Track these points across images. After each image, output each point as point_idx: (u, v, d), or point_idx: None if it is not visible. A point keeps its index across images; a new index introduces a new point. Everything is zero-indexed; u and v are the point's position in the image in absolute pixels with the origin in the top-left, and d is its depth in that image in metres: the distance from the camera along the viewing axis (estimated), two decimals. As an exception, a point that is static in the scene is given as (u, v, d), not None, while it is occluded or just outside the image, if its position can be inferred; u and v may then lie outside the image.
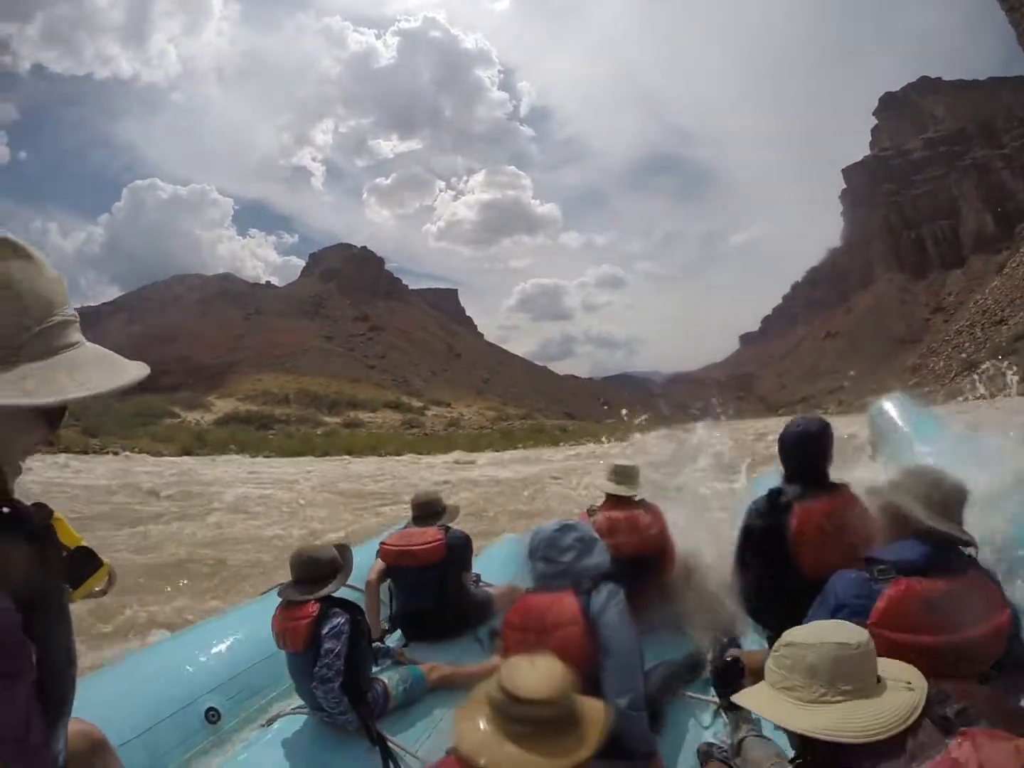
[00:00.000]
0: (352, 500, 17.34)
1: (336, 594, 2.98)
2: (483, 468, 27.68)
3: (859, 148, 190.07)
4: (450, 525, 3.89)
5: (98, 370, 0.91)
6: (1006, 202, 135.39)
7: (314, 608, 2.82)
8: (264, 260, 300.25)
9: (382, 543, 3.89)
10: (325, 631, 2.78)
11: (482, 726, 1.54)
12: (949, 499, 1.92)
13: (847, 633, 1.44)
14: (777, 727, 1.73)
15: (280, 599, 2.98)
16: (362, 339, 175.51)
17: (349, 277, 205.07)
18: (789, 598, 2.17)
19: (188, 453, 44.56)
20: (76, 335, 0.93)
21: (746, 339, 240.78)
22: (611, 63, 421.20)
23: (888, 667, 1.45)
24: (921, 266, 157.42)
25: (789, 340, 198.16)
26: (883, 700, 1.37)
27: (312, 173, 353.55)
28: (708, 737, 2.71)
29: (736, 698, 1.57)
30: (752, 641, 3.08)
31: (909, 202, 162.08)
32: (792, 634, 1.49)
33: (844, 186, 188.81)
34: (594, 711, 1.63)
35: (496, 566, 4.44)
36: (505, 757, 1.48)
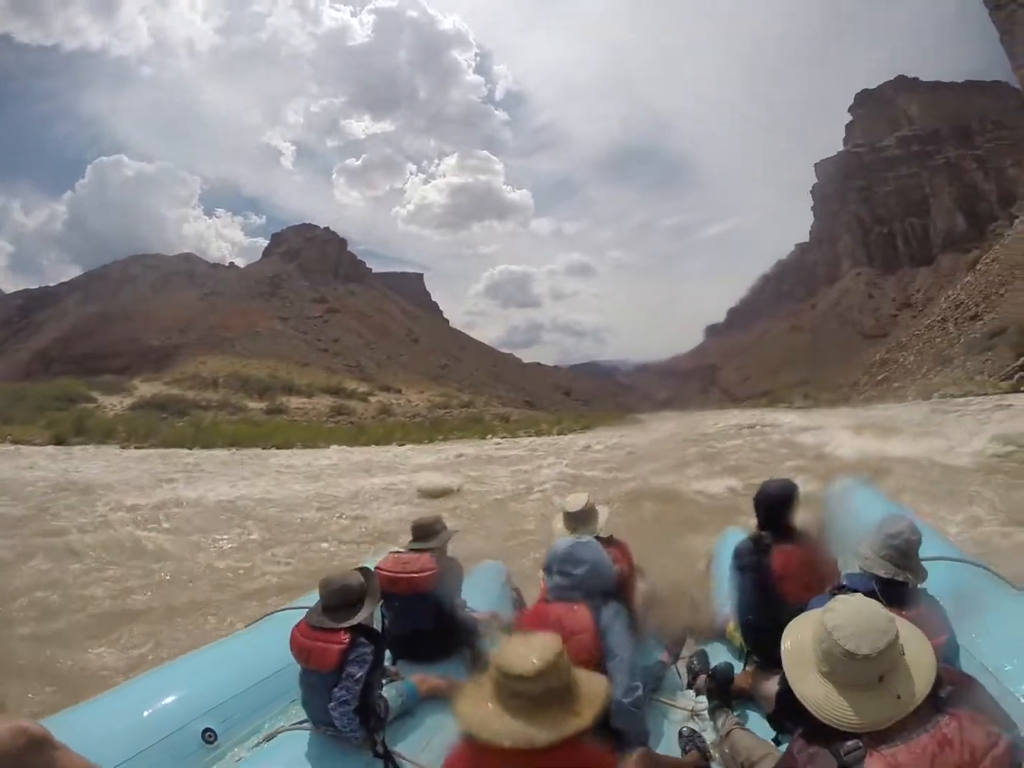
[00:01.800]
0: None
1: None
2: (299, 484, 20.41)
3: (834, 144, 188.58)
4: (442, 551, 4.14)
5: None
6: (978, 203, 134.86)
7: (346, 636, 2.97)
8: (231, 241, 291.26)
9: (377, 567, 3.92)
10: (352, 656, 2.94)
11: (483, 703, 1.70)
12: (894, 546, 2.57)
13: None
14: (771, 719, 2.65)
15: (305, 620, 3.13)
16: (317, 322, 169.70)
17: (310, 258, 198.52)
18: (777, 624, 2.38)
19: (61, 442, 39.72)
20: None
21: (711, 331, 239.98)
22: (590, 51, 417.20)
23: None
24: (890, 262, 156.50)
25: (754, 333, 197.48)
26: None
27: (282, 153, 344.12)
28: (674, 737, 3.10)
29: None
30: (711, 651, 3.80)
31: (880, 198, 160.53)
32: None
33: (816, 181, 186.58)
34: (593, 685, 1.78)
35: (476, 592, 4.54)
36: (504, 729, 1.63)
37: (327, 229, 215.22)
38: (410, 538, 4.21)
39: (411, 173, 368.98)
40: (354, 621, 3.01)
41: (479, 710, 1.70)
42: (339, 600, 3.06)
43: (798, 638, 1.85)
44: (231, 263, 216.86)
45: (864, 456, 16.10)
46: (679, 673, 3.81)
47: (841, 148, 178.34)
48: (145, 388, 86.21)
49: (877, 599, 1.92)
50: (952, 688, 1.66)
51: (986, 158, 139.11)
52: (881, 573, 2.53)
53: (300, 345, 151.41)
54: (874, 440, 19.05)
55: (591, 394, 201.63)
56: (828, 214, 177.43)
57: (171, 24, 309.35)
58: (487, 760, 1.66)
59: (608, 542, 3.66)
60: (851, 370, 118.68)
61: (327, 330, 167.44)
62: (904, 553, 2.56)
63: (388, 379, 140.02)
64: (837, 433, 22.49)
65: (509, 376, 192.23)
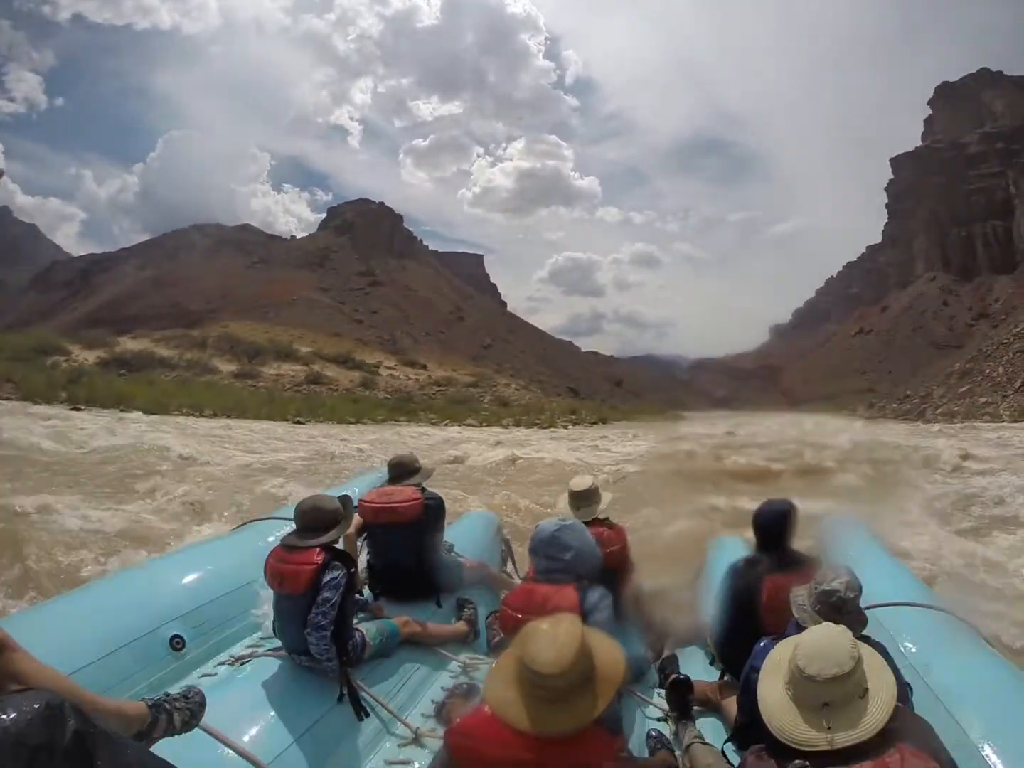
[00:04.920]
0: None
1: None
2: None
3: (911, 140, 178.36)
4: (424, 485, 4.15)
5: None
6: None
7: (318, 556, 2.96)
8: (298, 216, 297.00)
9: (361, 500, 3.98)
10: (325, 580, 2.93)
11: (507, 684, 1.79)
12: (830, 604, 2.46)
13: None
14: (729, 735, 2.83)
15: (279, 541, 3.16)
16: (359, 294, 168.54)
17: (362, 232, 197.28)
18: (750, 649, 2.66)
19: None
20: None
21: (776, 331, 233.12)
22: (662, 39, 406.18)
23: None
24: (967, 268, 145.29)
25: (820, 336, 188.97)
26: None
27: (349, 132, 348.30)
28: (643, 735, 3.05)
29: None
30: (688, 655, 3.86)
31: (960, 198, 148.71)
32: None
33: (891, 177, 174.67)
34: (610, 665, 1.87)
35: (465, 539, 4.67)
36: (526, 716, 1.74)
37: (382, 204, 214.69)
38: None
39: (478, 155, 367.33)
40: (325, 540, 3.01)
41: (502, 690, 1.78)
42: (312, 521, 3.05)
43: (783, 650, 1.95)
44: (292, 236, 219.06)
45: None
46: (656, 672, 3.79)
47: (919, 144, 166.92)
48: (131, 344, 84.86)
49: None
50: (899, 723, 1.74)
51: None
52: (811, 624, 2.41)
53: (335, 315, 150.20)
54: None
55: (645, 387, 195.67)
56: (903, 213, 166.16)
57: (240, 4, 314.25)
58: (504, 732, 1.75)
59: (606, 523, 3.79)
60: (921, 380, 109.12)
61: (367, 302, 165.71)
62: (838, 610, 2.45)
63: (420, 354, 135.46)
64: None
65: (559, 362, 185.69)
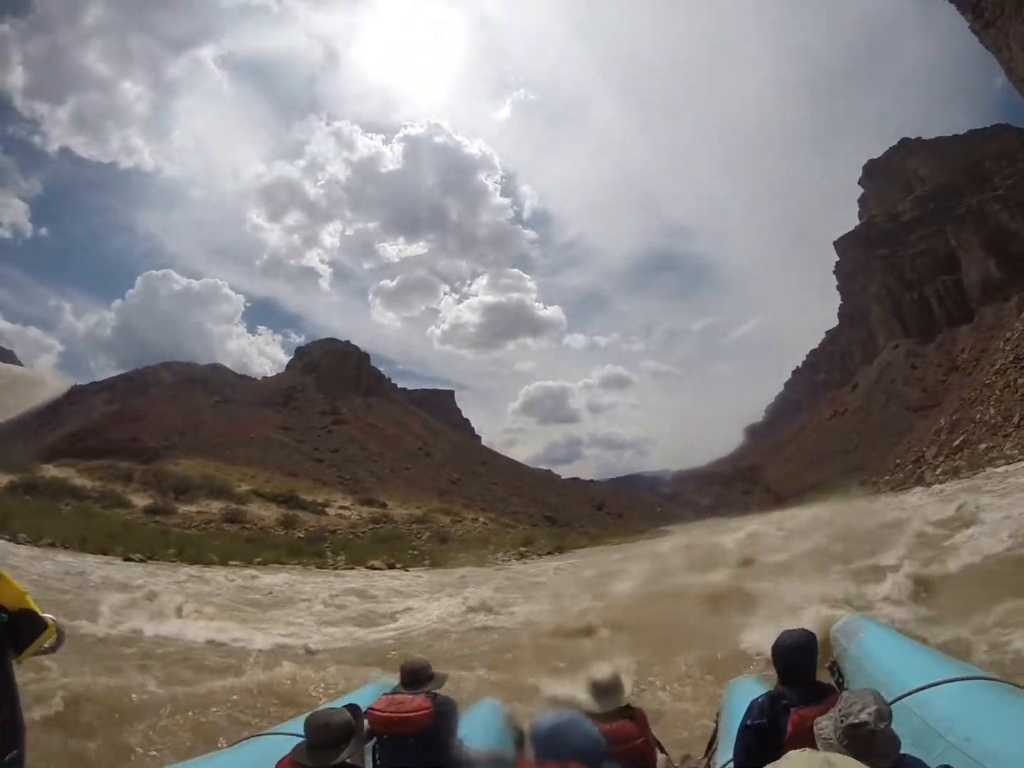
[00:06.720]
0: None
1: None
2: None
3: (849, 221, 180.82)
4: (436, 692, 4.05)
5: (9, 391, 0.79)
6: (1009, 243, 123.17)
7: None
8: (272, 358, 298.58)
9: (370, 708, 3.92)
10: None
11: None
12: (859, 736, 2.26)
13: None
14: None
15: (291, 756, 3.05)
16: (321, 432, 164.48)
17: (329, 370, 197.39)
18: None
19: None
20: None
21: (751, 431, 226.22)
22: (609, 165, 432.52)
23: None
24: (927, 328, 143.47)
25: (794, 427, 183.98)
26: None
27: (320, 274, 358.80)
28: None
29: None
30: None
31: (906, 263, 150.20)
32: None
33: (837, 259, 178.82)
34: None
35: (477, 730, 4.60)
36: None
37: (348, 343, 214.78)
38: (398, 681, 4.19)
39: (445, 293, 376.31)
40: (337, 761, 2.93)
41: None
42: (323, 738, 2.97)
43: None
44: (264, 377, 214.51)
45: None
46: None
47: (858, 223, 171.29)
48: (54, 472, 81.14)
49: None
50: None
51: (1008, 196, 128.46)
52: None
53: (293, 454, 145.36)
54: None
55: (627, 506, 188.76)
56: (855, 291, 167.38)
57: (219, 150, 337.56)
58: None
59: (627, 714, 3.68)
60: (908, 446, 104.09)
61: (329, 440, 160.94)
62: (869, 742, 2.24)
63: (383, 491, 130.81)
64: None
65: (535, 491, 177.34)
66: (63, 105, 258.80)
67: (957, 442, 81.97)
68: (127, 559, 36.29)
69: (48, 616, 1.98)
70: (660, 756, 3.73)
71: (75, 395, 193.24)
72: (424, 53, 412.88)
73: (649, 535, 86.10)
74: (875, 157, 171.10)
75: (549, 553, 63.11)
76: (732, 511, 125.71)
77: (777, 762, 1.81)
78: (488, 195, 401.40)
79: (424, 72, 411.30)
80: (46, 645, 2.10)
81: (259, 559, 46.12)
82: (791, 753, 1.89)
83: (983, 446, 73.68)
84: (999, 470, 50.91)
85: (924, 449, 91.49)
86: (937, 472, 75.61)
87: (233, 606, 19.43)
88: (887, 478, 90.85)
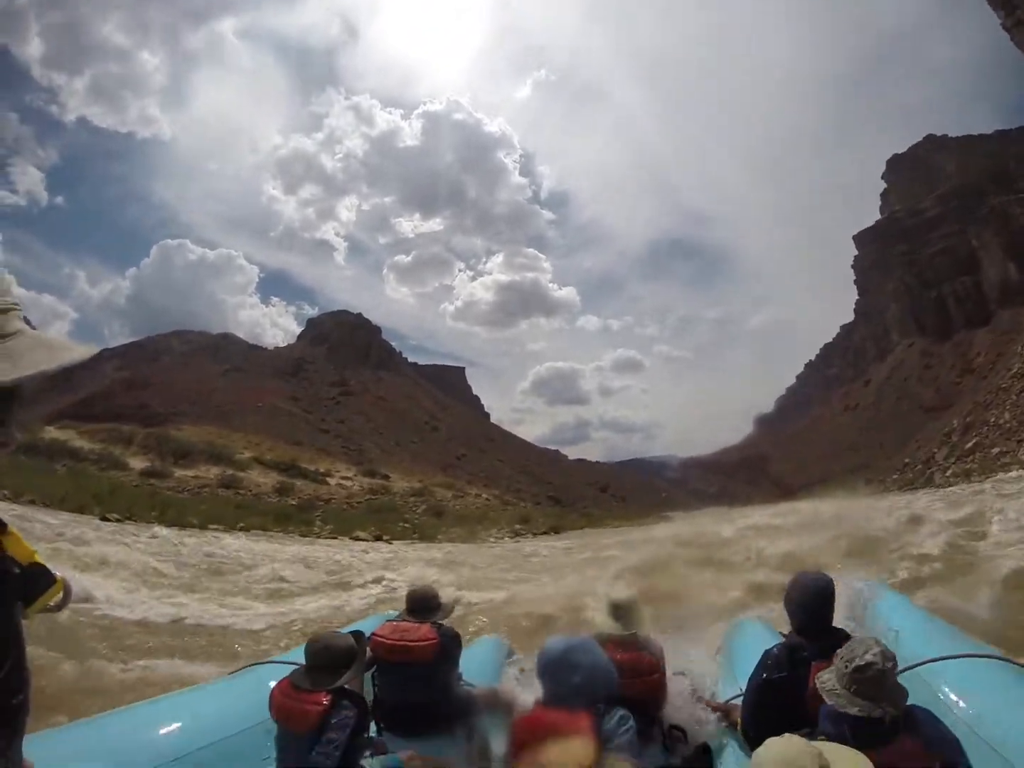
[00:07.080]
0: None
1: None
2: None
3: (869, 216, 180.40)
4: (442, 622, 3.95)
5: (32, 355, 0.78)
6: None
7: (327, 698, 2.85)
8: (284, 329, 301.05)
9: (373, 634, 3.83)
10: (333, 720, 2.81)
11: None
12: (867, 679, 2.20)
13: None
14: None
15: (289, 678, 3.00)
16: (329, 403, 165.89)
17: (339, 342, 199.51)
18: None
19: None
20: (15, 323, 0.78)
21: (760, 421, 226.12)
22: (627, 149, 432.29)
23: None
24: (943, 328, 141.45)
25: (805, 420, 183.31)
26: None
27: (335, 248, 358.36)
28: None
29: None
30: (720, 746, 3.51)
31: (925, 261, 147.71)
32: None
33: (856, 254, 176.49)
34: None
35: (475, 665, 4.58)
36: None
37: (359, 316, 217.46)
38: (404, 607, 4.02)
39: (459, 270, 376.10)
40: (335, 685, 2.87)
41: None
42: (324, 661, 2.93)
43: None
44: (275, 347, 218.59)
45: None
46: None
47: (879, 218, 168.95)
48: (56, 434, 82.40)
49: (846, 742, 1.97)
50: None
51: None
52: (855, 712, 2.19)
53: (300, 424, 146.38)
54: None
55: (632, 490, 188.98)
56: (873, 286, 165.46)
57: (237, 120, 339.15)
58: None
59: (645, 646, 3.54)
60: (918, 446, 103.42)
61: (336, 411, 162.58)
62: (878, 684, 2.20)
63: (387, 464, 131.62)
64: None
65: (541, 471, 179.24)
66: (81, 75, 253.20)
67: (969, 445, 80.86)
68: (104, 519, 36.16)
69: (56, 572, 2.01)
70: (683, 681, 3.66)
71: (88, 361, 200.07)
72: (445, 30, 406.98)
73: (651, 520, 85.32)
74: (900, 152, 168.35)
75: (545, 533, 62.38)
76: (736, 501, 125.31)
77: (762, 749, 1.77)
78: (507, 173, 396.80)
79: (445, 49, 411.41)
80: (52, 603, 2.09)
81: (242, 524, 46.16)
82: (770, 741, 1.83)
83: (996, 450, 72.78)
84: (1012, 475, 50.47)
85: (935, 450, 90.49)
86: (947, 474, 75.04)
87: (166, 571, 18.76)
88: (895, 477, 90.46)
